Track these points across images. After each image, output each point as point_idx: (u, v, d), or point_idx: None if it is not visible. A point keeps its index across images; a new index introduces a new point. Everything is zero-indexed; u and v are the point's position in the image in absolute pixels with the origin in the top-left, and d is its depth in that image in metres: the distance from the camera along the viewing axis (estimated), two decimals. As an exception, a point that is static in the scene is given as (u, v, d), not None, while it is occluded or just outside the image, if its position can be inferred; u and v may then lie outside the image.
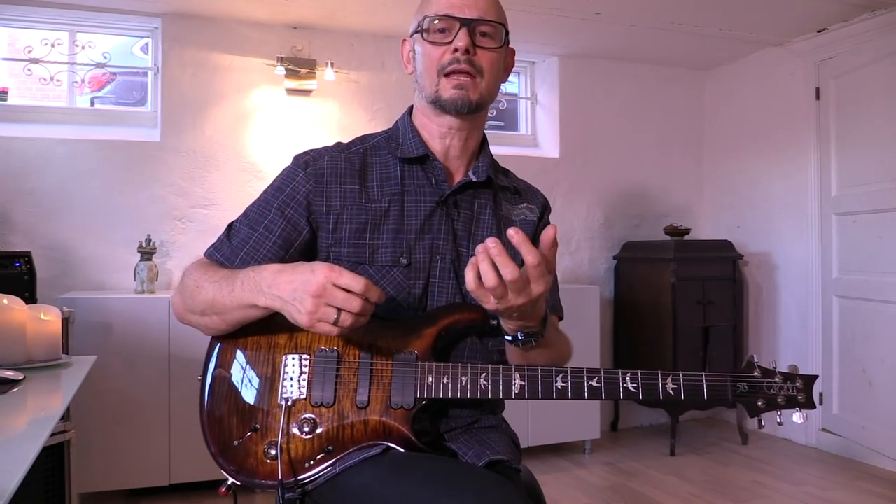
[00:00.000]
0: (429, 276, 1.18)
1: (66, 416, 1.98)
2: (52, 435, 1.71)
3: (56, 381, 1.53)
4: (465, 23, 1.15)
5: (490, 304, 0.98)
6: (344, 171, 1.19)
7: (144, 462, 2.82)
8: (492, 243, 0.93)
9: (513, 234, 0.93)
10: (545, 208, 1.34)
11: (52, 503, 1.96)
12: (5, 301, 1.55)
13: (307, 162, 1.20)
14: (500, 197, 1.27)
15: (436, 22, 1.16)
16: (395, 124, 1.28)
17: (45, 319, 1.63)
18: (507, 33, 1.20)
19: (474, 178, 1.22)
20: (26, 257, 2.63)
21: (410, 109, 1.28)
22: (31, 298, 2.53)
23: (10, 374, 1.41)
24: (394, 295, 1.16)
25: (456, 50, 1.14)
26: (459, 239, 1.21)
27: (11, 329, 1.54)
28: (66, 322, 2.30)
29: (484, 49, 1.17)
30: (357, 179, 1.19)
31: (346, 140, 1.27)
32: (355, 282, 0.96)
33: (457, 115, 1.18)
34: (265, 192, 1.21)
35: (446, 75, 1.16)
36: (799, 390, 1.11)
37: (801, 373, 1.13)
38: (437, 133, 1.22)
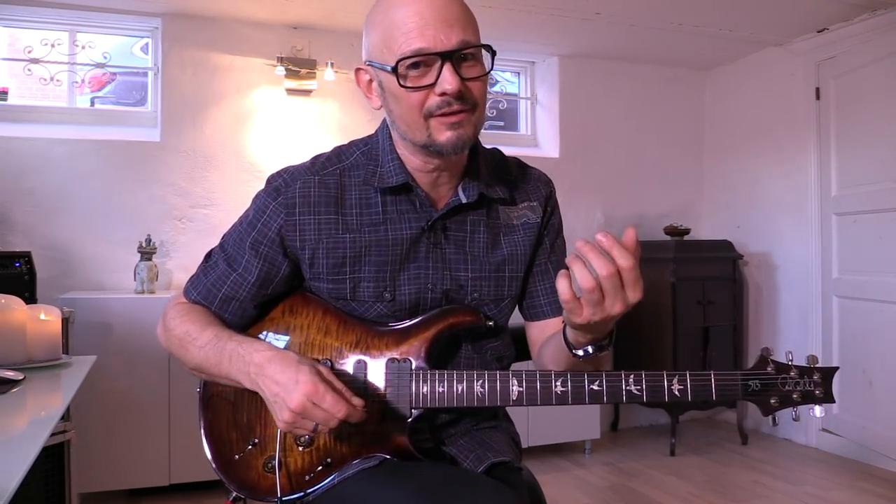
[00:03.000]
0: (418, 310, 1.11)
1: (66, 416, 1.98)
2: (52, 435, 1.71)
3: (56, 381, 1.53)
4: (447, 56, 0.97)
5: (584, 315, 0.88)
6: (318, 199, 1.08)
7: (144, 462, 2.81)
8: (580, 244, 0.85)
9: (602, 238, 0.84)
10: (549, 199, 1.22)
11: (52, 503, 1.96)
12: (5, 301, 1.55)
13: (278, 189, 1.09)
14: (496, 206, 1.16)
15: (411, 60, 0.97)
16: (375, 134, 1.16)
17: (45, 319, 1.63)
18: (493, 51, 1.04)
19: (464, 200, 1.10)
20: (26, 257, 2.63)
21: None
22: (31, 298, 2.53)
23: (10, 374, 1.41)
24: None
25: (444, 93, 0.97)
26: (454, 264, 1.12)
27: (11, 329, 1.54)
28: (66, 322, 2.30)
29: (472, 80, 1.00)
30: (333, 207, 1.08)
31: (341, 140, 1.20)
32: (336, 408, 0.92)
33: (449, 157, 1.05)
34: (240, 221, 1.14)
35: (435, 116, 1.00)
36: (817, 384, 1.03)
37: (819, 365, 1.04)
38: (423, 168, 1.09)
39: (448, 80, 0.97)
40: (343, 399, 0.94)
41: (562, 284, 0.86)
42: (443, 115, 1.00)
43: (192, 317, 1.10)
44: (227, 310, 1.11)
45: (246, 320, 1.13)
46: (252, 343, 1.02)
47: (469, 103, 1.00)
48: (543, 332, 1.19)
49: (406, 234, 1.10)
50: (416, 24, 0.97)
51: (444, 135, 1.01)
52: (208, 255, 1.16)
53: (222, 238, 1.16)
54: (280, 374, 0.95)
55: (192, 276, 1.16)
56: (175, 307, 1.14)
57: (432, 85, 0.98)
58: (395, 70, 0.98)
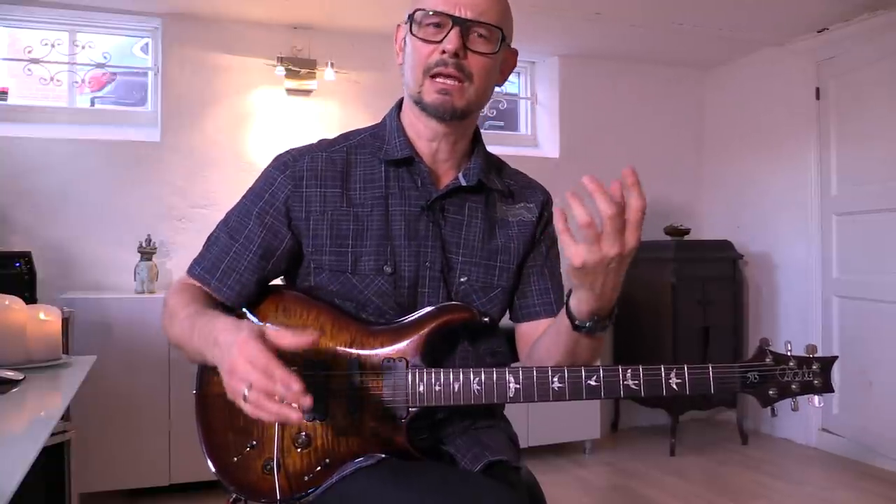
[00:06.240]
0: (417, 286, 1.12)
1: (65, 416, 1.98)
2: (52, 435, 1.71)
3: (56, 381, 1.53)
4: (459, 22, 1.06)
5: (580, 254, 0.89)
6: (325, 173, 1.13)
7: (144, 462, 2.81)
8: (587, 179, 0.85)
9: (628, 173, 0.88)
10: (545, 206, 1.25)
11: (52, 503, 1.96)
12: (6, 301, 1.56)
13: (286, 163, 1.14)
14: (494, 198, 1.20)
15: (429, 16, 1.07)
16: (382, 120, 1.21)
17: (45, 319, 1.63)
18: (504, 37, 1.11)
19: (464, 183, 1.15)
20: (26, 257, 2.63)
21: (400, 104, 1.20)
22: (31, 298, 2.52)
23: (10, 374, 1.41)
24: (380, 304, 1.12)
25: (444, 51, 1.06)
26: (448, 246, 1.14)
27: (11, 329, 1.54)
28: (66, 322, 2.29)
29: (476, 53, 1.08)
30: (339, 182, 1.13)
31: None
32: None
33: (440, 122, 1.11)
34: (245, 196, 1.16)
35: (431, 76, 1.08)
36: (816, 374, 1.03)
37: (818, 355, 1.04)
38: (425, 135, 1.14)
39: (451, 39, 1.06)
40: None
41: (559, 220, 0.90)
42: (438, 75, 1.07)
43: (183, 293, 1.11)
44: (228, 282, 1.11)
45: (245, 297, 1.12)
46: (220, 316, 1.00)
47: (465, 73, 1.07)
48: (535, 332, 1.19)
49: (407, 212, 1.13)
50: None
51: (431, 96, 1.08)
52: (210, 236, 1.18)
53: (226, 214, 1.17)
54: (227, 334, 0.94)
55: (196, 256, 1.17)
56: (174, 284, 1.16)
57: (439, 43, 1.06)
58: (411, 17, 1.09)
